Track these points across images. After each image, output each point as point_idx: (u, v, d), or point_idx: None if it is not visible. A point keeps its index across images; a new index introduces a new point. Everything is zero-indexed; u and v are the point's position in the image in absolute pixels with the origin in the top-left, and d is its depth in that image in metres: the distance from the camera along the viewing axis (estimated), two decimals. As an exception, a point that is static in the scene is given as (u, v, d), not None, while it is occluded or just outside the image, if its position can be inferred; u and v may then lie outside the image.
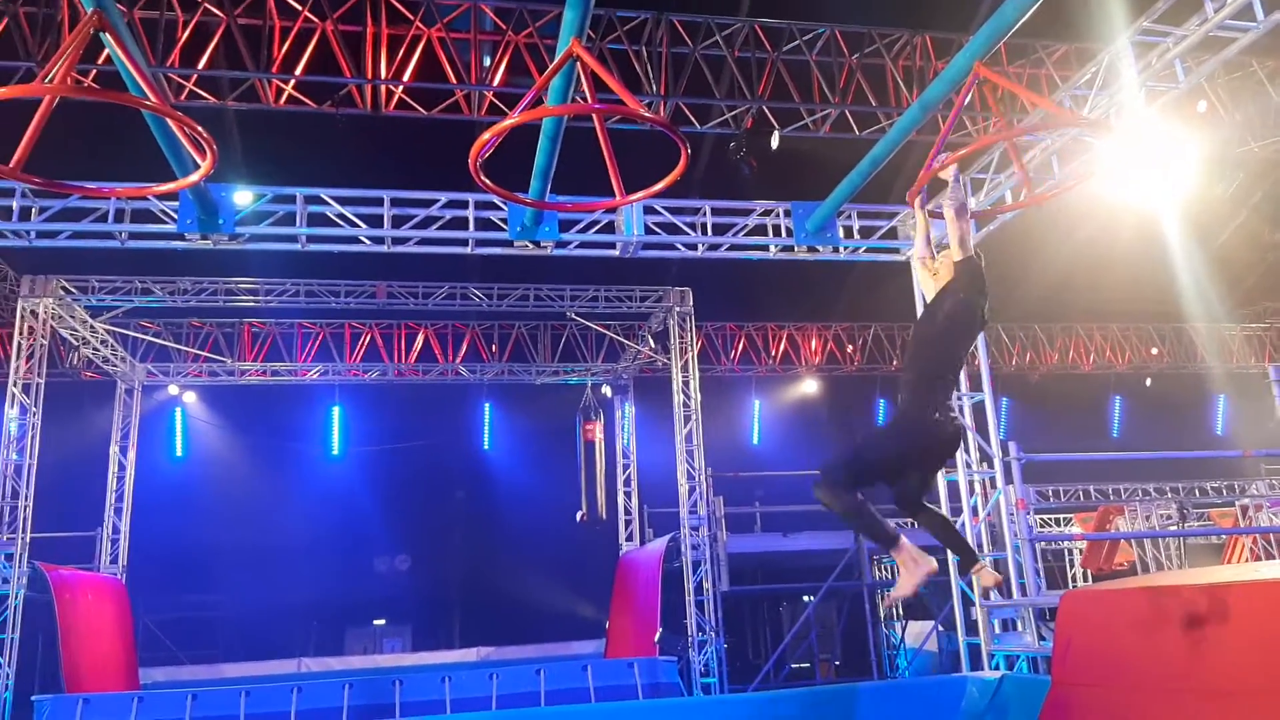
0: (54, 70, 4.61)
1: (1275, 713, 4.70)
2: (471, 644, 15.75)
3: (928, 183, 4.98)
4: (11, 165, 4.44)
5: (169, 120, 5.83)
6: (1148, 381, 20.21)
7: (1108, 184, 10.95)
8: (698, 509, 13.36)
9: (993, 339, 17.52)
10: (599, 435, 16.38)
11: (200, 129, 4.91)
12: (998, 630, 8.76)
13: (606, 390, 16.97)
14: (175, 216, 8.53)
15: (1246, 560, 13.79)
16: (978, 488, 9.33)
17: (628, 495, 16.48)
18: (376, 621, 18.06)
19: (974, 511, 9.18)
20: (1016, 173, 8.69)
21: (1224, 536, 14.40)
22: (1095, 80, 7.95)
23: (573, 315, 15.21)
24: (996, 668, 8.34)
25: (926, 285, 4.99)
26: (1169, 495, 16.81)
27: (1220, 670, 5.19)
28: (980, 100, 12.04)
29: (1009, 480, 8.82)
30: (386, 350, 15.89)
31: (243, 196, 8.72)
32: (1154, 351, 19.73)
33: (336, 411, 16.82)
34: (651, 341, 15.79)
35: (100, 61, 9.24)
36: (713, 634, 12.51)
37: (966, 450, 9.38)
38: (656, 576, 12.77)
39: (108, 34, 5.11)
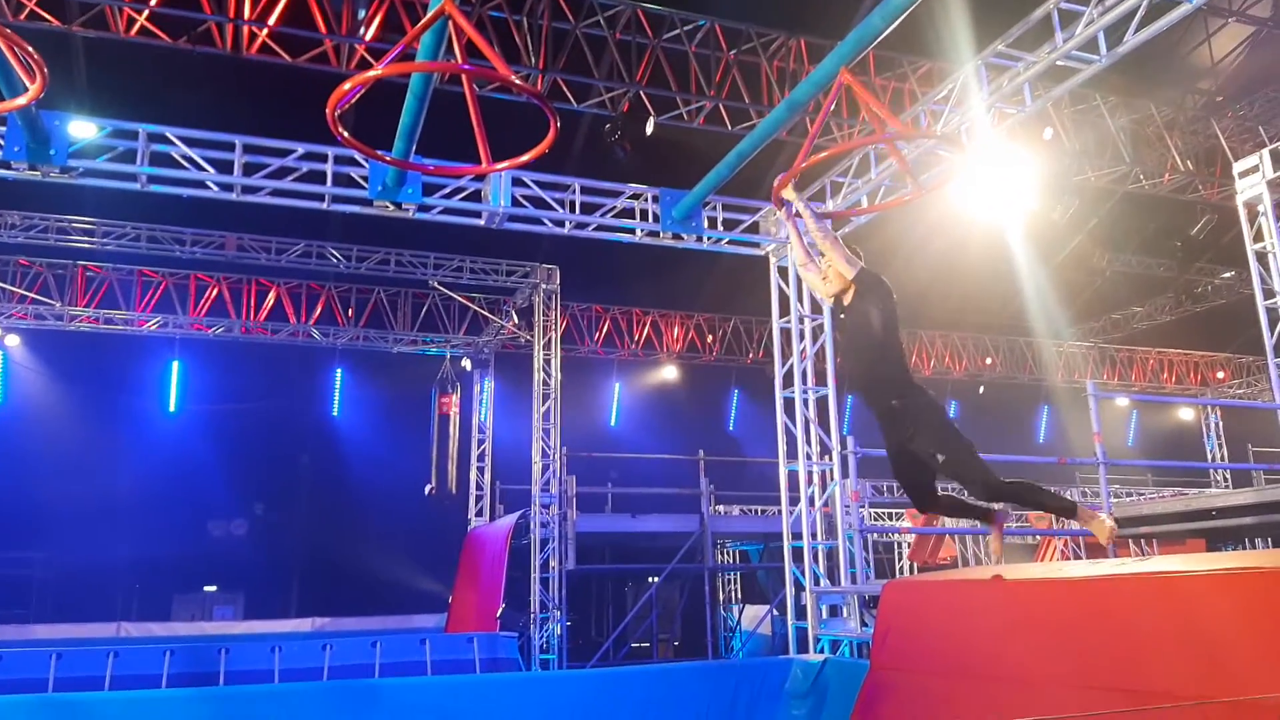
0: None
1: (1071, 700, 5.07)
2: (308, 614, 15.31)
3: (789, 193, 5.15)
4: None
5: (-4, 37, 5.39)
6: (980, 389, 21.49)
7: (957, 199, 11.55)
8: (550, 487, 13.38)
9: (845, 338, 18.17)
10: (454, 409, 16.17)
11: (30, 48, 4.58)
12: (825, 615, 9.15)
13: (466, 363, 16.74)
14: (1, 143, 7.88)
15: (1057, 560, 14.88)
16: (816, 478, 9.70)
17: (480, 470, 16.33)
18: (207, 588, 17.30)
19: (810, 501, 9.54)
20: (897, 167, 9.01)
21: (1038, 537, 15.46)
22: (950, 97, 8.34)
23: (436, 284, 14.93)
24: (821, 651, 8.72)
25: (817, 287, 5.23)
26: (994, 496, 17.85)
27: (1024, 659, 5.57)
28: (847, 106, 12.49)
29: (845, 473, 9.20)
30: (234, 306, 15.13)
31: (80, 128, 8.13)
32: (988, 361, 20.98)
33: (175, 366, 15.93)
34: (515, 317, 15.68)
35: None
36: (555, 611, 12.57)
37: (808, 442, 9.74)
38: (503, 552, 12.74)
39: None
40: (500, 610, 12.32)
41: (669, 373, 19.62)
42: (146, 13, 9.99)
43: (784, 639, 14.69)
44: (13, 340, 15.20)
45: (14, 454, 15.46)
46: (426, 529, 16.50)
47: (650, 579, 16.37)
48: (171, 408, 15.99)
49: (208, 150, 8.50)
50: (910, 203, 8.18)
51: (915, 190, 6.42)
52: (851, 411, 15.66)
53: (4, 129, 7.89)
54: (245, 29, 10.47)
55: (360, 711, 7.00)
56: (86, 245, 12.70)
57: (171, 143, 8.39)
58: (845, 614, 9.01)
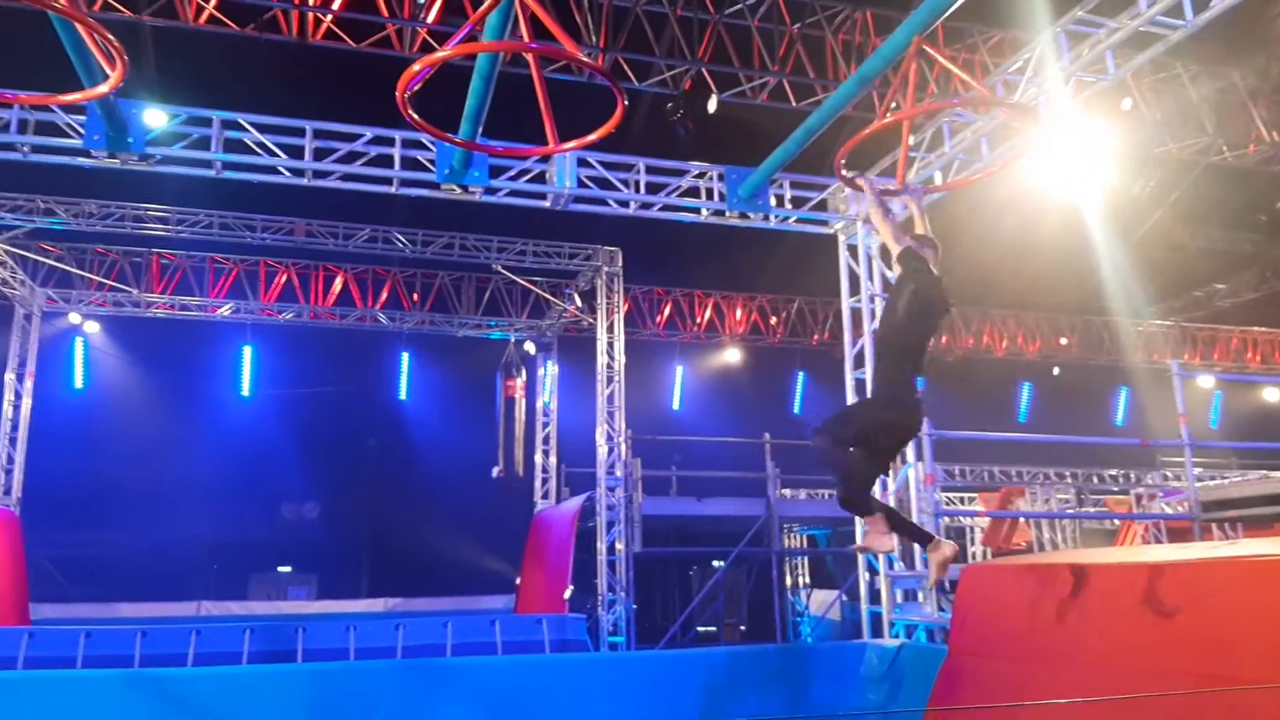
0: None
1: (1156, 686, 4.90)
2: (379, 595, 15.57)
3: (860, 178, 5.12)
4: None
5: (78, 26, 5.49)
6: (1055, 370, 20.89)
7: (1033, 173, 11.17)
8: (615, 470, 13.36)
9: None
10: (519, 392, 16.23)
11: (111, 36, 4.64)
12: (899, 600, 8.97)
13: (530, 347, 16.80)
14: (82, 132, 8.06)
15: (1138, 545, 14.42)
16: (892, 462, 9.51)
17: (546, 454, 16.39)
18: (282, 568, 17.71)
19: (884, 485, 9.36)
20: (970, 141, 8.75)
21: (1117, 522, 15.01)
22: (1027, 67, 8.05)
23: (499, 268, 14.98)
24: (896, 636, 8.56)
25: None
26: (1068, 480, 17.44)
27: (1105, 644, 5.40)
28: (918, 79, 12.15)
29: (919, 456, 9.00)
30: (303, 291, 15.38)
31: (155, 116, 8.28)
32: (1063, 341, 20.38)
33: (248, 351, 16.26)
34: (578, 300, 15.66)
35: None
36: (622, 594, 12.57)
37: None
38: (570, 535, 12.77)
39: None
40: (568, 592, 12.36)
41: (732, 355, 19.45)
42: (214, 1, 10.14)
43: (854, 624, 14.51)
44: (92, 327, 15.66)
45: (96, 437, 15.97)
46: (493, 511, 16.63)
47: (715, 563, 16.30)
48: (245, 392, 16.33)
49: (279, 136, 8.62)
50: (988, 177, 7.95)
51: (1000, 161, 6.21)
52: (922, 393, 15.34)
53: (83, 118, 8.08)
54: (310, 15, 10.56)
55: (434, 690, 7.09)
56: (161, 233, 12.98)
57: (244, 129, 8.51)
58: (920, 599, 8.83)
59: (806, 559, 18.68)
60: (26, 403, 13.99)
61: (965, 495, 19.05)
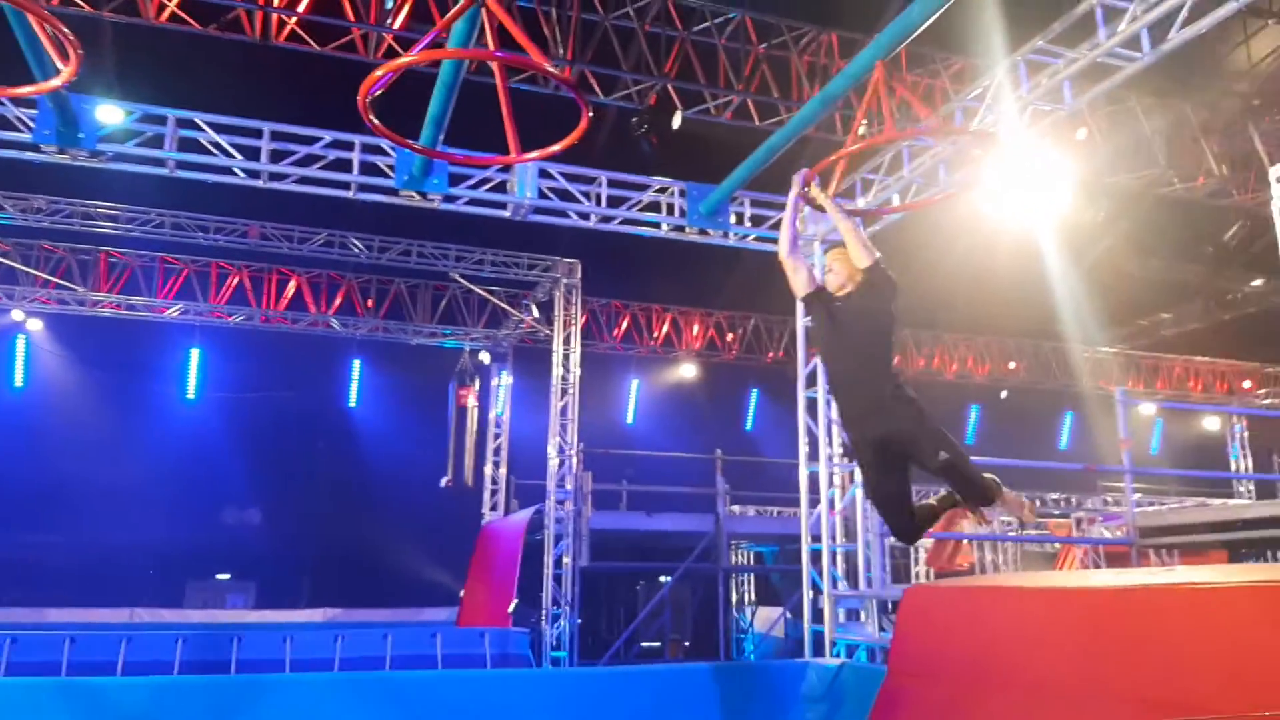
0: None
1: (1092, 711, 4.97)
2: (320, 604, 15.32)
3: (816, 190, 5.02)
4: None
5: (30, 18, 5.36)
6: (1003, 393, 21.24)
7: (988, 198, 11.38)
8: (565, 483, 13.30)
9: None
10: (472, 402, 16.12)
11: (65, 29, 4.53)
12: (842, 619, 9.03)
13: (484, 357, 16.68)
14: (32, 126, 7.86)
15: (1076, 569, 14.69)
16: (837, 480, 9.58)
17: (496, 465, 16.27)
18: (220, 575, 17.33)
19: (830, 503, 9.42)
20: (928, 165, 8.89)
21: (1058, 545, 15.28)
22: (986, 95, 8.20)
23: (456, 276, 14.87)
24: (838, 655, 8.60)
25: (800, 280, 4.93)
26: (1013, 503, 17.67)
27: (1046, 668, 5.46)
28: (876, 103, 12.33)
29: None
30: (255, 294, 15.12)
31: (109, 112, 8.11)
32: (1012, 365, 20.74)
33: (195, 353, 15.94)
34: (535, 311, 15.60)
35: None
36: (567, 608, 12.50)
37: (830, 444, 9.61)
38: (518, 547, 12.68)
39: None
40: (513, 606, 12.25)
41: (688, 370, 19.50)
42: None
43: (797, 642, 14.56)
44: (35, 324, 15.26)
45: (33, 437, 15.54)
46: (440, 522, 16.46)
47: (662, 578, 16.27)
48: (190, 394, 15.99)
49: (235, 137, 8.48)
50: (942, 201, 8.07)
51: (958, 186, 6.31)
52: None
53: (34, 112, 7.88)
54: (274, 16, 10.44)
55: (371, 703, 6.96)
56: (110, 231, 12.71)
57: (200, 128, 8.36)
58: (863, 618, 8.89)
59: (752, 576, 18.73)
60: (-39, 399, 13.59)
61: (912, 516, 19.24)
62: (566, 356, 13.88)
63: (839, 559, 9.21)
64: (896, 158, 9.36)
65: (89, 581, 15.16)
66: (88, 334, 15.69)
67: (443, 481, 15.35)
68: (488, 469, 16.18)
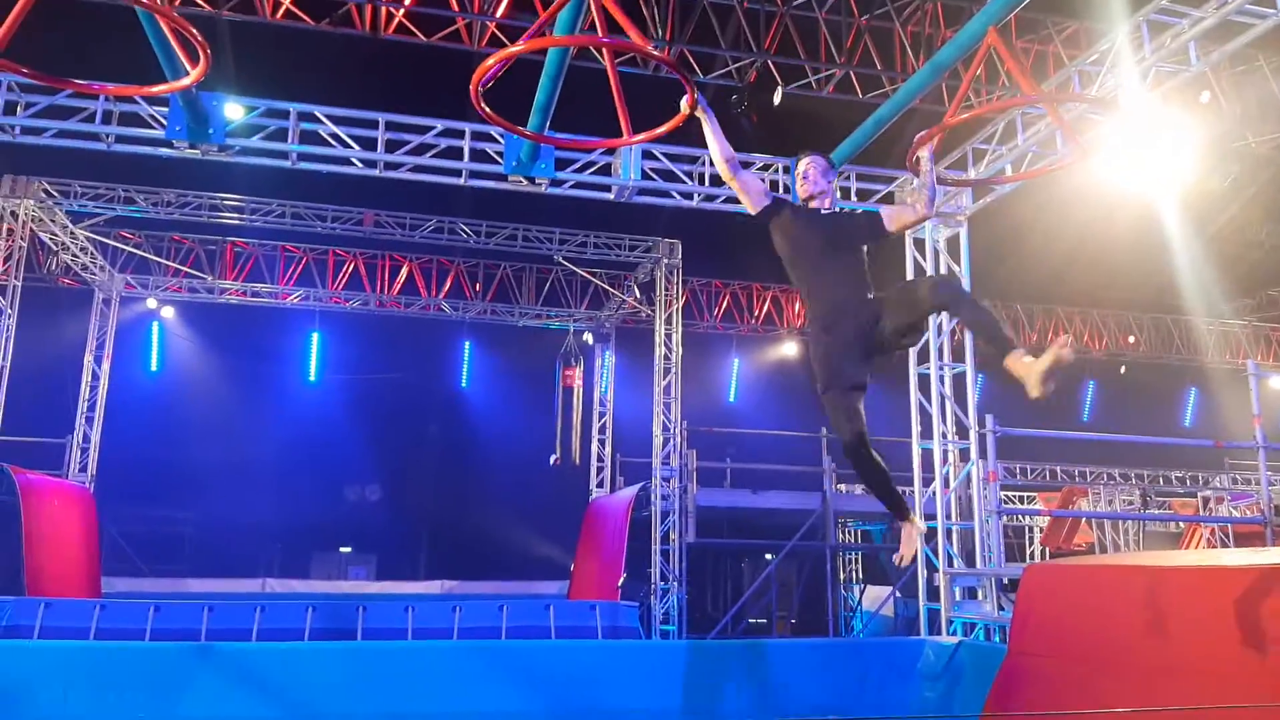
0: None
1: (1219, 692, 4.82)
2: (436, 577, 15.83)
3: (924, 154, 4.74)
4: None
5: (161, 21, 5.67)
6: (1122, 368, 20.41)
7: (1105, 166, 10.94)
8: (670, 461, 13.42)
9: (975, 315, 17.60)
10: (578, 381, 16.38)
11: (194, 31, 4.77)
12: (958, 598, 8.91)
13: (588, 337, 16.93)
14: (164, 123, 8.33)
15: (1203, 549, 14.08)
16: (951, 458, 9.42)
17: (601, 443, 16.52)
18: (342, 549, 18.09)
19: (945, 481, 9.28)
20: (1043, 133, 8.61)
21: (1182, 525, 14.66)
22: (1105, 59, 7.89)
23: (560, 259, 15.10)
24: (954, 634, 8.50)
25: (752, 198, 4.67)
26: (1133, 481, 17.07)
27: (1171, 648, 5.31)
28: (987, 72, 11.99)
29: (982, 453, 8.91)
30: (369, 280, 15.73)
31: (234, 109, 8.53)
32: (1131, 339, 19.90)
33: (315, 338, 16.65)
34: (637, 291, 15.73)
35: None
36: (675, 583, 12.64)
37: (944, 421, 9.46)
38: (624, 523, 12.86)
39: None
40: (621, 580, 12.46)
41: (789, 349, 19.36)
42: (290, -3, 10.39)
43: (907, 621, 14.42)
44: (168, 311, 16.17)
45: (169, 418, 16.47)
46: (549, 498, 16.80)
47: (767, 555, 16.27)
48: (312, 377, 16.73)
49: (352, 128, 8.80)
50: (1061, 170, 7.83)
51: (1074, 155, 6.12)
52: (982, 390, 15.07)
53: (165, 110, 8.34)
54: (383, 10, 10.77)
55: (490, 671, 7.22)
56: (235, 222, 13.34)
57: (320, 121, 8.71)
58: (980, 597, 8.75)
59: (860, 554, 18.55)
60: (104, 384, 14.50)
61: (1026, 494, 18.75)
62: (668, 336, 13.96)
63: (955, 537, 9.07)
64: (1009, 126, 9.10)
65: (222, 554, 16.04)
66: (216, 320, 16.56)
67: (551, 459, 15.66)
68: (594, 447, 16.44)
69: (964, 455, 9.40)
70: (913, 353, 9.84)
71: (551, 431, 15.81)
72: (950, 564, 8.99)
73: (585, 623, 11.33)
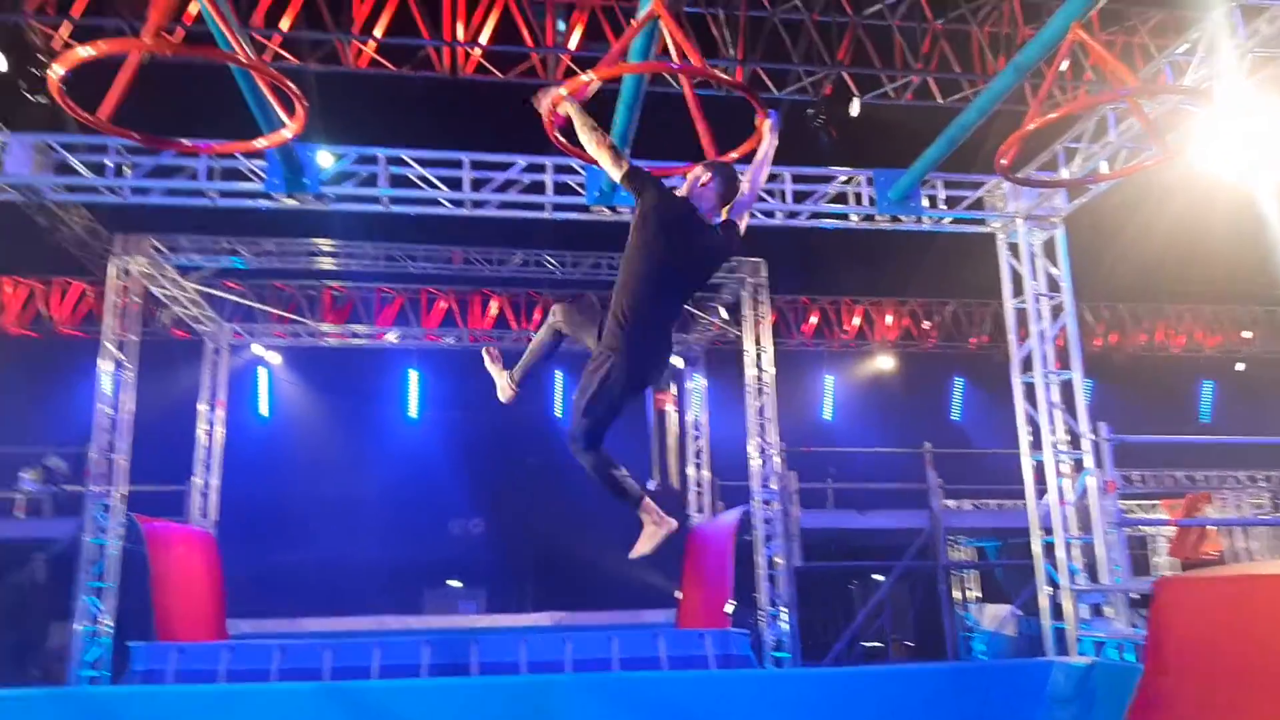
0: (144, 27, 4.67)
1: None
2: (545, 609, 15.85)
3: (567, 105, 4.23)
4: (99, 114, 4.53)
5: (258, 77, 5.89)
6: (1239, 366, 19.37)
7: (1205, 158, 10.44)
8: (770, 483, 13.23)
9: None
10: (670, 406, 16.32)
11: (290, 85, 4.94)
12: (1085, 615, 8.49)
13: (677, 361, 16.89)
14: (263, 176, 8.66)
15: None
16: (1065, 468, 9.03)
17: (698, 467, 16.40)
18: (452, 582, 18.33)
19: (1060, 493, 8.90)
20: (1139, 128, 8.28)
21: (1322, 527, 13.76)
22: (1196, 47, 7.55)
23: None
24: (1085, 653, 8.10)
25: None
26: (1262, 484, 16.14)
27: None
28: (1071, 68, 11.62)
29: (1098, 462, 8.52)
30: (462, 315, 16.03)
31: (326, 157, 8.83)
32: (1246, 335, 18.88)
33: (413, 375, 17.05)
34: (723, 313, 15.63)
35: (188, 23, 9.39)
36: (784, 609, 12.41)
37: (1053, 430, 9.08)
38: (729, 549, 12.71)
39: (199, -10, 5.17)
40: (730, 607, 12.30)
41: (884, 362, 18.98)
42: (373, 44, 10.71)
43: (1029, 640, 13.83)
44: (274, 357, 16.73)
45: (281, 460, 16.99)
46: (651, 525, 16.70)
47: (875, 576, 15.86)
48: (412, 414, 17.10)
49: (438, 169, 9.01)
50: (1156, 166, 7.49)
51: (1163, 152, 5.87)
52: (1091, 395, 14.42)
53: (263, 163, 8.68)
54: (460, 51, 11.02)
55: (606, 703, 7.18)
56: (331, 267, 13.76)
57: (407, 164, 8.94)
58: (1107, 613, 8.33)
59: (975, 572, 17.91)
60: (219, 431, 15.06)
61: (1143, 502, 17.88)
62: (759, 356, 13.81)
63: (1075, 551, 8.67)
64: (1101, 122, 8.77)
65: (337, 591, 16.38)
66: (319, 363, 17.05)
67: (650, 485, 15.62)
68: (690, 471, 16.33)
69: (1078, 465, 9.00)
70: (1015, 360, 9.52)
71: (647, 457, 15.77)
72: (1073, 580, 8.59)
73: (696, 652, 11.21)
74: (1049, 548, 8.87)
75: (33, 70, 9.54)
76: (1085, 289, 11.92)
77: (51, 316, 15.94)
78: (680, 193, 4.13)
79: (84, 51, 4.12)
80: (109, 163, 8.73)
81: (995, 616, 15.53)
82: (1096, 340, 18.15)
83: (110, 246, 12.63)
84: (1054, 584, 8.78)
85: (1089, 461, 8.71)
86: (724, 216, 4.22)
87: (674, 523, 4.26)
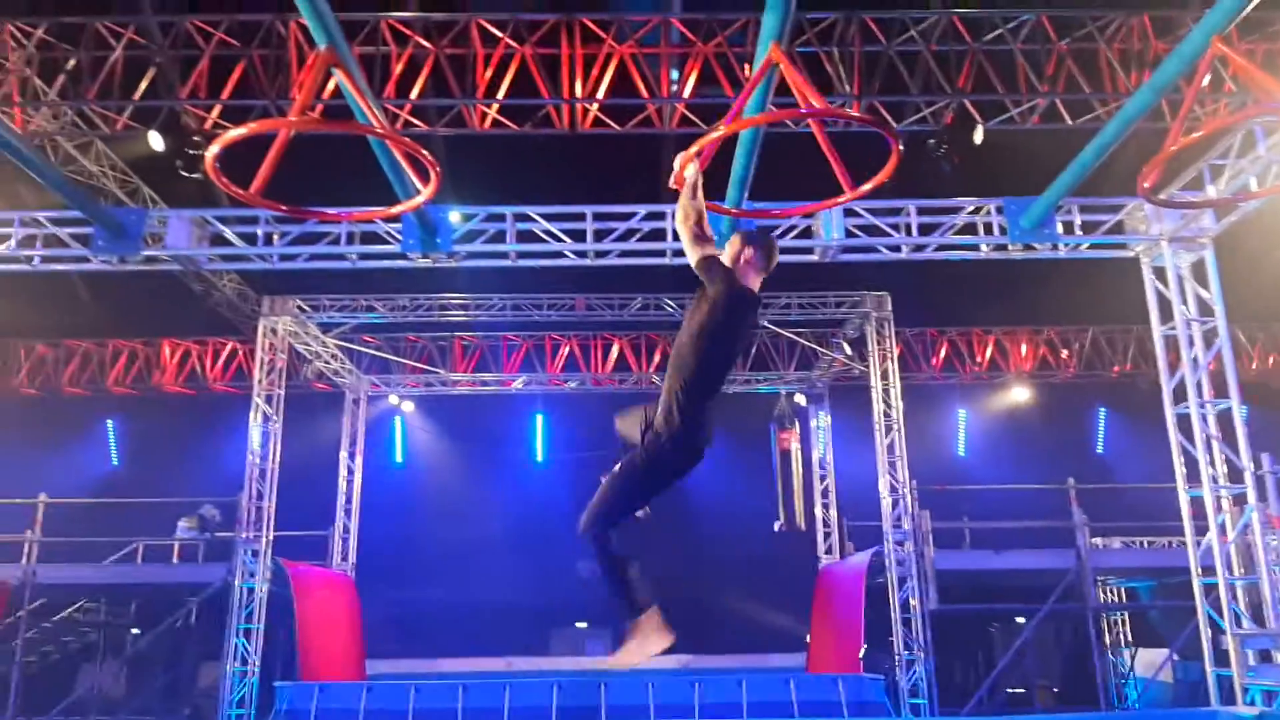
0: (290, 106, 5.00)
1: None
2: (671, 651, 15.76)
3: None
4: (250, 190, 4.87)
5: (394, 146, 6.22)
6: None
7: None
8: (901, 523, 12.86)
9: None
10: (795, 444, 16.10)
11: (425, 152, 5.20)
12: (1252, 662, 7.90)
13: (800, 399, 16.69)
14: (399, 238, 9.10)
15: None
16: (1226, 504, 8.46)
17: (825, 507, 16.11)
18: (579, 624, 18.48)
19: (1222, 530, 8.34)
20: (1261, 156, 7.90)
21: None
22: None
23: (764, 323, 15.06)
24: (1252, 703, 7.53)
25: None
26: None
27: None
28: (1212, 80, 11.06)
29: (1261, 496, 7.96)
30: (584, 360, 16.37)
31: (456, 217, 9.21)
32: None
33: (540, 420, 17.45)
34: (847, 348, 15.40)
35: (327, 98, 9.98)
36: (920, 653, 11.99)
37: (1211, 464, 8.53)
38: (860, 591, 12.41)
39: (338, 69, 5.51)
40: (863, 651, 11.97)
41: (1020, 394, 18.26)
42: (496, 106, 11.13)
43: (1189, 687, 12.92)
44: (408, 406, 17.44)
45: (416, 506, 17.62)
46: (777, 567, 16.48)
47: (1018, 619, 15.12)
48: (539, 457, 17.46)
49: (562, 223, 9.28)
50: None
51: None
52: (1247, 424, 13.47)
53: (399, 226, 9.12)
54: (579, 107, 11.33)
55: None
56: (461, 318, 14.34)
57: (533, 220, 9.24)
58: (1278, 660, 7.72)
59: (1126, 614, 16.86)
60: (358, 477, 15.74)
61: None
62: (886, 391, 13.52)
63: (1239, 593, 8.10)
64: (1248, 137, 8.30)
65: (469, 633, 16.75)
66: (450, 410, 17.70)
67: (776, 525, 15.40)
68: (818, 511, 16.06)
69: (1239, 499, 8.42)
70: (1167, 390, 9.01)
71: (772, 497, 15.56)
72: (1237, 623, 8.01)
73: (829, 697, 10.96)
74: (1209, 589, 8.31)
75: (188, 150, 10.31)
76: (1236, 309, 11.24)
77: (205, 374, 17.07)
78: (725, 262, 4.18)
79: (237, 132, 4.44)
80: (259, 232, 9.34)
81: (1150, 662, 14.56)
82: (1251, 363, 17.03)
83: (258, 307, 13.52)
84: (1217, 628, 8.20)
85: (1251, 496, 8.15)
86: (758, 287, 4.32)
87: (670, 639, 4.13)
